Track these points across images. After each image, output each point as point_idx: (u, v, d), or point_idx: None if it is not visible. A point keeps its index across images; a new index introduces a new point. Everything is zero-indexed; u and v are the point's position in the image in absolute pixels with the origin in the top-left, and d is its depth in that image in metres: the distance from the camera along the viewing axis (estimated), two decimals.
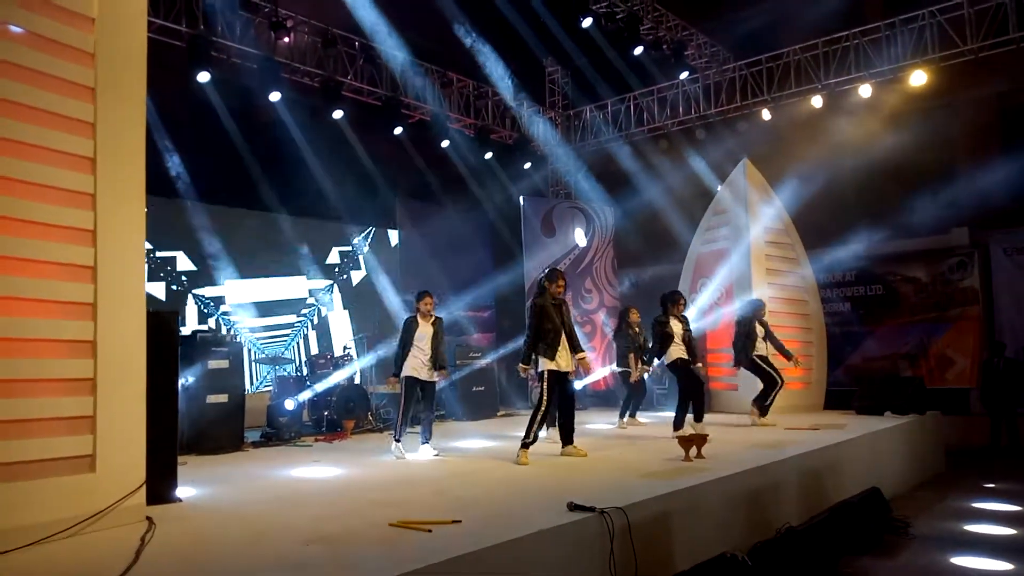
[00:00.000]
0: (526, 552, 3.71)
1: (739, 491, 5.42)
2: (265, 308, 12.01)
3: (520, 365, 6.90)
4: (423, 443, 7.14)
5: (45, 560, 3.64)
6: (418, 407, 7.26)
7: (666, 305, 8.28)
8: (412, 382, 7.15)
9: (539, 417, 6.55)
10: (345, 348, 11.22)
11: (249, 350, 11.47)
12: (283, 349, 12.12)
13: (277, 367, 11.03)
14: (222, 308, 11.49)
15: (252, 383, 11.55)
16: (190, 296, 11.19)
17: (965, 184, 11.66)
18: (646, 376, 9.76)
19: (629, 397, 9.63)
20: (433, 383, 7.27)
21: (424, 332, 7.18)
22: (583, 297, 13.58)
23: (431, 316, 7.30)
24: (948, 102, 12.19)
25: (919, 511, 6.94)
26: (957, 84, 11.64)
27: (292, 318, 12.36)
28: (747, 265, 10.66)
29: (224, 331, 10.62)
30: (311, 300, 12.65)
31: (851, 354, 13.52)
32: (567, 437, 6.78)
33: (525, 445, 6.48)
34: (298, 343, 12.43)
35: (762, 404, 8.94)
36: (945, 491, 7.99)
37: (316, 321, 12.68)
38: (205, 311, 11.31)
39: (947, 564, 5.40)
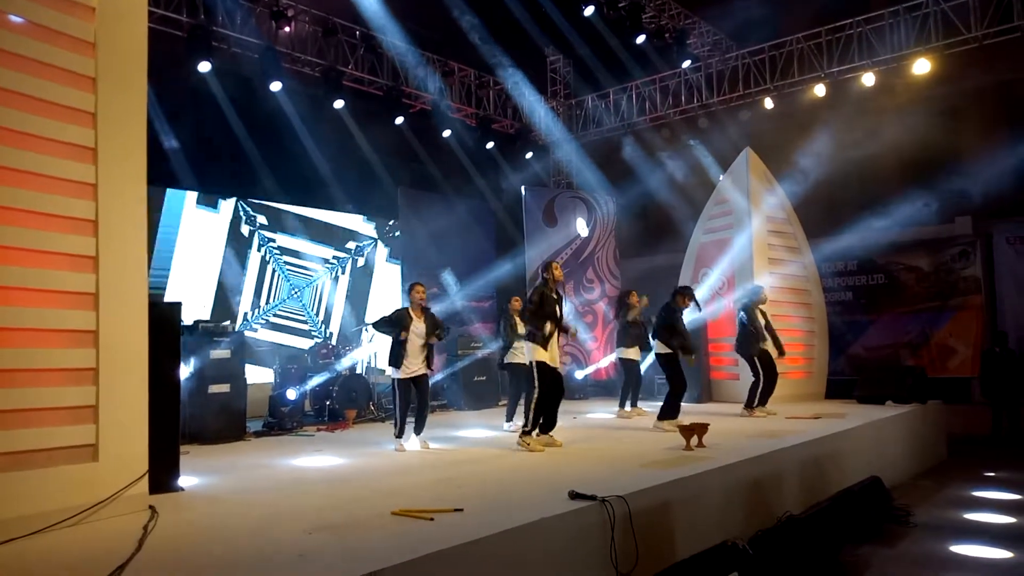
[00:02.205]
0: (528, 540, 3.73)
1: (740, 480, 5.43)
2: (305, 226, 12.22)
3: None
4: (416, 435, 6.95)
5: (48, 549, 3.66)
6: (414, 404, 7.02)
7: (676, 297, 8.22)
8: (407, 383, 6.90)
9: (534, 405, 6.54)
10: (363, 324, 10.97)
11: (274, 270, 11.73)
12: (305, 284, 12.13)
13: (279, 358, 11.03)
14: (260, 220, 11.60)
15: (269, 301, 11.69)
16: (236, 200, 11.42)
17: (968, 173, 11.62)
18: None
19: (627, 385, 9.60)
20: (426, 375, 7.03)
21: (417, 327, 6.84)
22: (585, 287, 13.57)
23: (420, 309, 6.93)
24: (951, 90, 12.12)
25: (920, 500, 6.96)
26: (961, 72, 11.56)
27: (329, 253, 12.47)
28: (749, 254, 10.66)
29: (256, 246, 10.89)
30: (351, 245, 12.77)
31: (853, 343, 13.52)
32: (548, 425, 6.70)
33: (525, 433, 6.52)
34: (318, 287, 12.32)
35: (750, 400, 9.01)
36: (946, 480, 8.00)
37: (346, 271, 12.71)
38: (244, 218, 11.42)
39: (948, 552, 5.42)
